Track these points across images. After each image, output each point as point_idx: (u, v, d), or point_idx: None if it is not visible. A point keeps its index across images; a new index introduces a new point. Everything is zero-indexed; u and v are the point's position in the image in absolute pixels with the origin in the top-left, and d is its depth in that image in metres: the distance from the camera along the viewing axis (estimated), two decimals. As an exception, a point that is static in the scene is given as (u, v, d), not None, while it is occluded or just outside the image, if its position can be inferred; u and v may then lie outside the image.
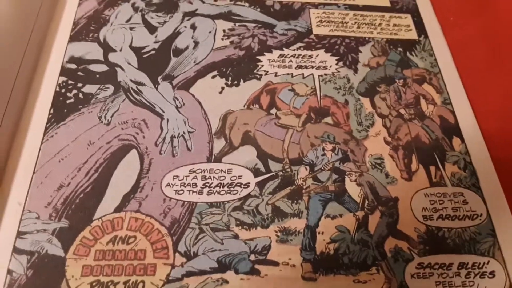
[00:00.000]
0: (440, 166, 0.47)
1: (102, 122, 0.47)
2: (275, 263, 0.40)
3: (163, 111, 0.48)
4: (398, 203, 0.44)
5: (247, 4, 0.59)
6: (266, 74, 0.52)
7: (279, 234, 0.42)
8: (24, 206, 0.41)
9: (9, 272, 0.38)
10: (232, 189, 0.44)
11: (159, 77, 0.51)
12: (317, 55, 0.55)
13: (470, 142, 0.49)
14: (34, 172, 0.43)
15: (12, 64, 0.47)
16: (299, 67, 0.53)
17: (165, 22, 0.56)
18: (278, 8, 0.59)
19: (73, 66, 0.51)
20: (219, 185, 0.44)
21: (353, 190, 0.45)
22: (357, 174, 0.46)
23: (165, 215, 0.42)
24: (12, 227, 0.40)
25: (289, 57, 0.54)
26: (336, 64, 0.54)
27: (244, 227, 0.42)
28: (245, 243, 0.41)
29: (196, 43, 0.54)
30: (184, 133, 0.47)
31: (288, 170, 0.45)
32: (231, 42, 0.55)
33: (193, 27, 0.56)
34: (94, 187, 0.43)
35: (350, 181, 0.45)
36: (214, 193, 0.43)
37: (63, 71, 0.50)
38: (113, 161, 0.44)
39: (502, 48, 0.54)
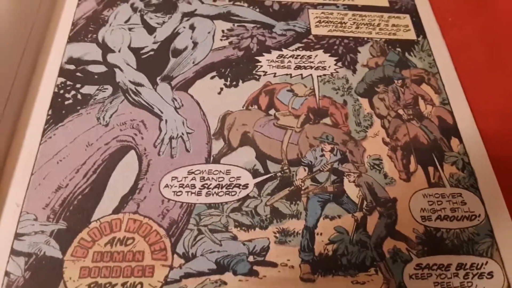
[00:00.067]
0: (439, 167, 0.47)
1: (100, 123, 0.47)
2: (273, 264, 0.40)
3: (162, 112, 0.48)
4: (396, 204, 0.44)
5: (246, 5, 0.59)
6: (265, 75, 0.52)
7: (277, 235, 0.42)
8: (22, 207, 0.41)
9: (7, 274, 0.38)
10: (230, 190, 0.44)
11: (158, 78, 0.51)
12: (316, 56, 0.55)
13: (468, 143, 0.49)
14: (32, 174, 0.43)
15: (10, 65, 0.47)
16: (298, 67, 0.53)
17: (164, 22, 0.56)
18: (277, 8, 0.59)
19: (72, 67, 0.51)
20: (218, 186, 0.44)
21: (352, 191, 0.45)
22: (356, 175, 0.46)
23: (164, 217, 0.42)
24: (10, 229, 0.40)
25: (288, 58, 0.54)
26: (335, 64, 0.54)
27: (243, 228, 0.42)
28: (244, 244, 0.41)
29: (195, 44, 0.54)
30: (182, 134, 0.47)
31: (287, 171, 0.45)
32: (230, 43, 0.55)
33: (192, 27, 0.56)
34: (92, 189, 0.43)
35: (348, 182, 0.45)
36: (213, 194, 0.43)
37: (62, 72, 0.50)
38: (112, 162, 0.44)
39: (500, 48, 0.54)
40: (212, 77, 0.51)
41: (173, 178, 0.44)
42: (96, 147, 0.45)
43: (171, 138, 0.46)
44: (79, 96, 0.48)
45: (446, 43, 0.57)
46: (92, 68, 0.51)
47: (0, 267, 0.38)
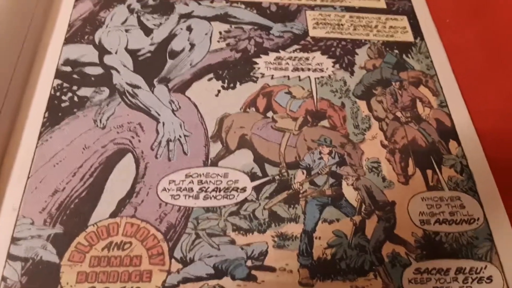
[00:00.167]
0: (437, 170, 0.47)
1: (97, 125, 0.46)
2: (272, 269, 0.40)
3: (159, 115, 0.48)
4: (395, 207, 0.44)
5: (243, 6, 0.59)
6: (262, 77, 0.52)
7: (276, 239, 0.41)
8: (19, 211, 0.40)
9: (3, 279, 0.37)
10: (228, 193, 0.43)
11: (155, 80, 0.50)
12: (314, 58, 0.54)
13: (466, 145, 0.49)
14: (28, 177, 0.42)
15: (6, 67, 0.46)
16: (295, 69, 0.53)
17: (160, 24, 0.56)
18: (275, 10, 0.59)
19: (68, 68, 0.50)
20: (216, 189, 0.43)
21: (350, 194, 0.44)
22: (354, 178, 0.45)
23: (161, 221, 0.41)
24: (7, 233, 0.39)
25: (285, 60, 0.54)
26: (333, 66, 0.54)
27: (241, 232, 0.41)
28: (242, 248, 0.41)
29: (192, 45, 0.54)
30: (180, 136, 0.46)
31: (285, 174, 0.45)
32: (227, 44, 0.55)
33: (189, 29, 0.56)
34: (89, 192, 0.42)
35: (347, 185, 0.45)
36: (211, 198, 0.43)
37: (58, 74, 0.50)
38: (109, 165, 0.44)
39: (498, 50, 0.54)
40: (210, 79, 0.51)
41: (171, 182, 0.43)
42: (93, 150, 0.45)
43: (168, 141, 0.46)
44: (75, 98, 0.48)
45: (444, 45, 0.57)
46: (89, 70, 0.50)
47: (-4, 272, 0.38)
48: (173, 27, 0.55)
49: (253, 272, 0.40)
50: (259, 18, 0.58)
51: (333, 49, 0.56)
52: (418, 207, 0.44)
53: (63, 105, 0.47)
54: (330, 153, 0.47)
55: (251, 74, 0.52)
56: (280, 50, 0.55)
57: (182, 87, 0.50)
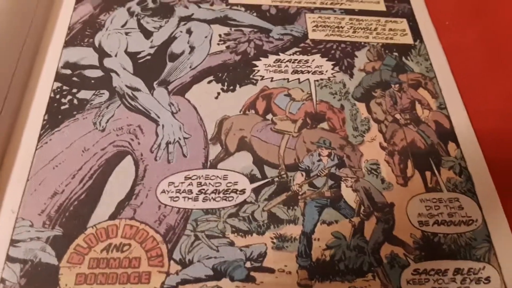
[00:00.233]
0: (436, 172, 0.47)
1: (97, 128, 0.46)
2: (271, 270, 0.40)
3: (159, 117, 0.48)
4: (394, 208, 0.44)
5: (243, 9, 0.59)
6: (262, 79, 0.52)
7: (275, 240, 0.41)
8: (18, 213, 0.40)
9: (2, 281, 0.37)
10: (227, 195, 0.43)
11: (155, 83, 0.50)
12: (313, 60, 0.55)
13: (465, 147, 0.49)
14: (28, 179, 0.42)
15: (6, 69, 0.46)
16: (295, 72, 0.53)
17: (160, 27, 0.56)
18: (274, 12, 0.59)
19: (68, 71, 0.50)
20: (215, 191, 0.44)
21: (349, 196, 0.44)
22: (353, 179, 0.45)
23: (160, 222, 0.41)
24: (6, 235, 0.39)
25: (285, 62, 0.54)
26: (332, 69, 0.54)
27: (240, 234, 0.41)
28: (241, 250, 0.41)
29: (192, 48, 0.54)
30: (179, 139, 0.47)
31: (284, 176, 0.45)
32: (227, 47, 0.55)
33: (189, 32, 0.56)
34: (89, 194, 0.42)
35: (346, 187, 0.45)
36: (210, 200, 0.43)
37: (58, 77, 0.50)
38: (108, 167, 0.44)
39: (498, 52, 0.54)
40: (209, 82, 0.51)
41: (170, 184, 0.44)
42: (92, 152, 0.45)
43: (168, 143, 0.46)
44: (75, 101, 0.48)
45: (443, 47, 0.57)
46: (89, 72, 0.51)
47: (-5, 274, 0.38)
48: (173, 30, 0.56)
49: (252, 273, 0.40)
50: (258, 21, 0.58)
51: (332, 51, 0.56)
52: (416, 209, 0.44)
53: (62, 107, 0.47)
54: (329, 155, 0.47)
55: (251, 76, 0.52)
56: (279, 53, 0.55)
57: (182, 90, 0.50)
